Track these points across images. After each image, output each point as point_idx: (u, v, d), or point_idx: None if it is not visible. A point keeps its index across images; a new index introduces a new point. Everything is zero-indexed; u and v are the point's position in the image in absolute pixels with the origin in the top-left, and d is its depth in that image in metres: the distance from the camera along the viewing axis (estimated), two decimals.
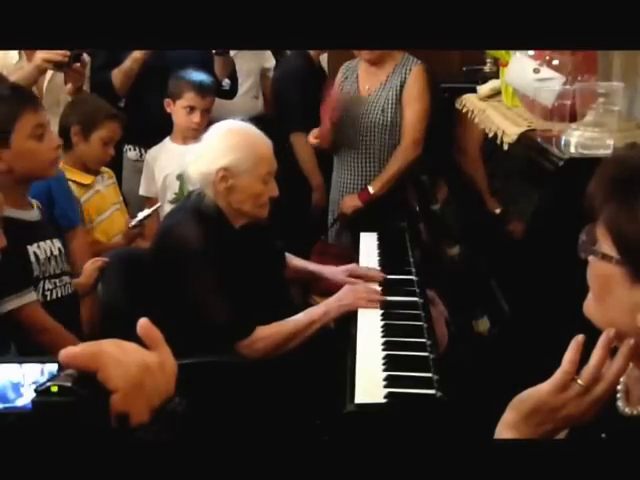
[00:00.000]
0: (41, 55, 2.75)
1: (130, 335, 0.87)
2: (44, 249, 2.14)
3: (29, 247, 2.10)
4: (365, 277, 2.46)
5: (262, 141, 2.25)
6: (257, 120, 2.43)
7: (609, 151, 1.61)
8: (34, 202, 2.23)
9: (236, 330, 2.11)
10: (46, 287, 2.13)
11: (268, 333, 2.13)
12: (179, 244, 2.14)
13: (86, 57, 2.94)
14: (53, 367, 0.89)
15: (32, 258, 2.10)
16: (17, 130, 2.07)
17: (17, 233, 2.04)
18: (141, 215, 2.93)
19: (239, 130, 2.26)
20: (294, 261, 2.60)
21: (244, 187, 2.20)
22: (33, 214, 2.19)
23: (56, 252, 2.19)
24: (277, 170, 2.28)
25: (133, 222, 2.90)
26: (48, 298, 2.14)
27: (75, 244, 2.64)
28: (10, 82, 2.25)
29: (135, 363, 0.82)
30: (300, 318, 2.18)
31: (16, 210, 2.11)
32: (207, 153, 2.21)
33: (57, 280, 2.18)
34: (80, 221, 2.71)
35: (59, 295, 2.18)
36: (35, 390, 0.78)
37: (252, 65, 3.84)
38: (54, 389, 0.77)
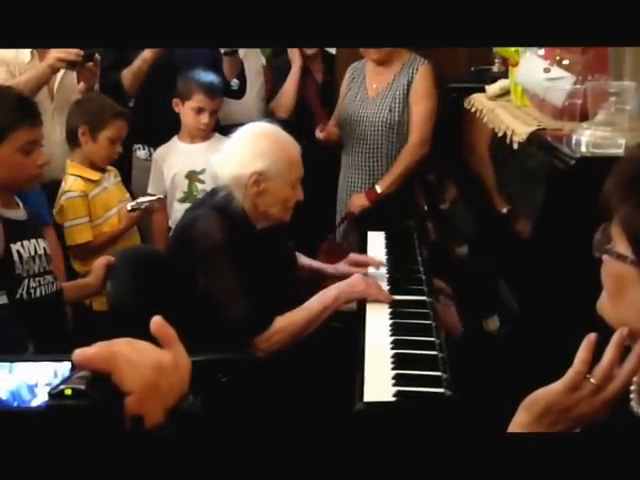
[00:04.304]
0: (55, 54, 2.76)
1: (140, 333, 0.87)
2: (28, 248, 2.14)
3: (12, 246, 2.09)
4: (366, 263, 2.51)
5: (293, 146, 2.26)
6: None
7: (621, 150, 1.60)
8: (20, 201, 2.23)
9: (255, 325, 2.12)
10: (30, 285, 2.13)
11: (283, 324, 2.15)
12: (204, 238, 2.14)
13: (98, 57, 2.95)
14: (67, 367, 0.88)
15: (15, 257, 2.09)
16: (8, 141, 2.08)
17: (2, 231, 2.05)
18: (141, 200, 2.93)
19: (272, 134, 2.26)
20: (300, 259, 2.61)
21: (275, 191, 2.21)
22: (19, 213, 2.19)
23: (40, 251, 2.19)
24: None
25: (130, 205, 2.91)
26: (32, 296, 2.14)
27: (48, 241, 2.66)
28: (17, 92, 2.24)
29: (149, 364, 0.81)
30: (313, 306, 2.19)
31: (1, 209, 2.12)
32: (240, 155, 2.21)
33: (41, 279, 2.18)
34: (52, 221, 2.74)
35: (43, 293, 2.18)
36: (49, 393, 0.77)
37: (259, 65, 3.84)
38: (68, 392, 0.76)
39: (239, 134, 2.27)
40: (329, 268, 2.62)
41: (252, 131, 2.27)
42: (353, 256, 2.60)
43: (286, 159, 2.22)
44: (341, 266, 2.56)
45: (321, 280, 2.68)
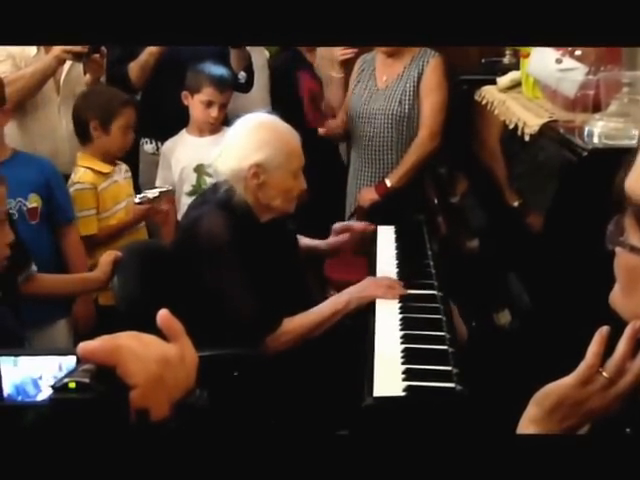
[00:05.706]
0: (61, 46, 2.76)
1: (146, 327, 0.86)
2: None
3: None
4: (349, 228, 2.65)
5: (292, 135, 2.23)
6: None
7: (634, 141, 1.59)
8: None
9: (264, 324, 2.11)
10: None
11: (293, 326, 2.14)
12: (209, 237, 2.12)
13: (104, 49, 2.95)
14: (71, 360, 0.87)
15: None
16: None
17: None
18: (149, 193, 2.92)
19: (269, 125, 2.22)
20: (301, 241, 2.63)
21: (276, 183, 2.18)
22: None
23: None
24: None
25: (138, 197, 2.90)
26: None
27: (71, 239, 2.68)
28: None
29: (155, 358, 0.81)
30: (324, 309, 2.19)
31: None
32: (238, 149, 2.18)
33: None
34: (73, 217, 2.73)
35: None
36: (52, 387, 0.76)
37: (263, 59, 3.83)
38: (72, 385, 0.75)
39: (236, 127, 2.25)
40: (321, 244, 2.67)
41: (248, 123, 2.23)
42: (338, 225, 2.69)
43: (284, 149, 2.18)
44: (330, 240, 2.65)
45: (324, 259, 2.82)
